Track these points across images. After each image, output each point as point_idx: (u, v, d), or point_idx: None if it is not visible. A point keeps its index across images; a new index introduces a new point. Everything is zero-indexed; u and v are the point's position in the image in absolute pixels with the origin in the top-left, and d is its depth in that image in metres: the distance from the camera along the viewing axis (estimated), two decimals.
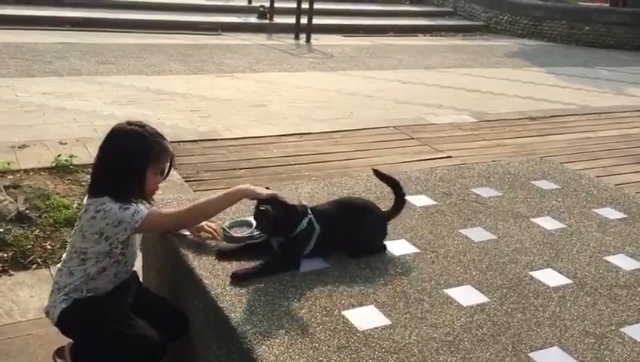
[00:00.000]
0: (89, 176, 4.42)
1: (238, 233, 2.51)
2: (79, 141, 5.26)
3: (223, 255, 2.36)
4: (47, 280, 3.13)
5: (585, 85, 10.06)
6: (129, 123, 2.30)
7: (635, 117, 8.03)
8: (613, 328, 2.11)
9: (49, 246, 3.43)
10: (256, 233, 2.46)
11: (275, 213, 2.23)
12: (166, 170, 2.35)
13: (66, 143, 5.16)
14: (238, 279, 2.20)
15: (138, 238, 2.41)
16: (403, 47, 12.67)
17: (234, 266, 2.31)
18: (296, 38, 12.42)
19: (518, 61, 12.21)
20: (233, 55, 10.32)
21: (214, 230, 2.46)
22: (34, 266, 3.25)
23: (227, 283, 2.21)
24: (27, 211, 3.67)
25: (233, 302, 2.10)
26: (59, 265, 2.35)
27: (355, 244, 2.45)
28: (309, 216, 2.35)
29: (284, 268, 2.29)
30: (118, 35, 11.07)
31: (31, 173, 4.43)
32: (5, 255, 3.29)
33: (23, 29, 10.61)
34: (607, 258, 2.62)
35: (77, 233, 2.23)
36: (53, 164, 4.55)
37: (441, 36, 14.99)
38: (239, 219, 2.61)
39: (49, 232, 3.56)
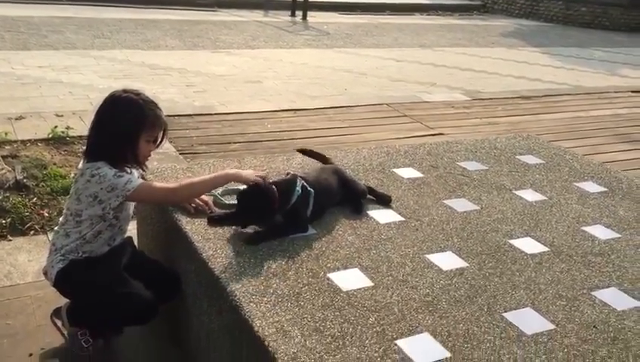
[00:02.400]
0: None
1: (230, 200, 2.61)
2: (75, 113, 5.32)
3: (214, 220, 2.46)
4: (45, 246, 3.22)
5: (579, 65, 10.12)
6: (125, 90, 2.38)
7: (626, 97, 8.11)
8: (584, 292, 2.22)
9: (46, 214, 3.51)
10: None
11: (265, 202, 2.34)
12: (159, 139, 2.43)
13: (62, 115, 5.22)
14: (251, 242, 2.31)
15: (132, 204, 2.49)
16: (399, 26, 12.67)
17: (225, 231, 2.41)
18: (293, 15, 12.41)
19: (513, 41, 12.24)
20: (229, 31, 10.32)
21: (206, 202, 2.54)
22: (32, 232, 3.34)
23: (218, 246, 2.30)
24: (25, 180, 3.75)
25: (223, 264, 2.20)
26: (55, 228, 2.44)
27: (356, 197, 2.70)
28: (301, 182, 2.45)
29: (293, 232, 2.41)
30: (114, 9, 11.04)
31: (28, 144, 4.49)
32: (3, 221, 3.37)
33: (19, 3, 10.58)
34: (585, 228, 2.72)
35: (72, 196, 2.32)
36: (50, 136, 4.62)
37: (437, 15, 14.96)
38: (230, 188, 2.70)
39: (46, 200, 3.65)
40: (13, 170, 3.85)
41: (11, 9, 10.03)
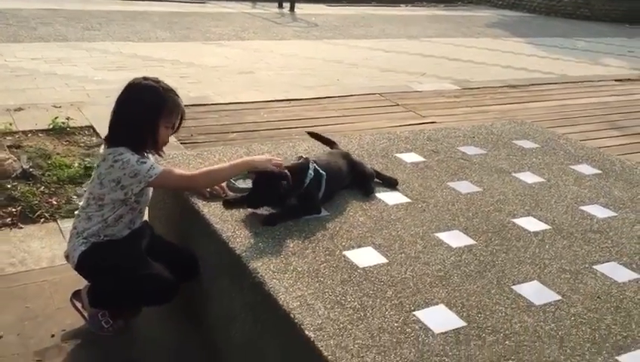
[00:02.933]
0: (87, 138, 4.61)
1: (242, 184, 2.69)
2: (73, 105, 5.35)
3: (229, 203, 2.55)
4: (57, 233, 3.29)
5: (563, 55, 10.30)
6: (145, 78, 2.45)
7: (610, 85, 8.29)
8: (586, 266, 2.34)
9: (55, 202, 3.57)
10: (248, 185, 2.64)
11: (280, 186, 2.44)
12: (176, 125, 2.49)
13: (60, 107, 5.25)
14: (268, 223, 2.40)
15: (151, 188, 2.56)
16: (385, 17, 12.77)
17: (241, 213, 2.50)
18: (280, 6, 12.45)
19: (498, 31, 12.40)
20: (218, 23, 10.35)
21: (221, 186, 2.61)
22: (42, 220, 3.39)
23: (236, 227, 2.39)
24: (31, 169, 3.80)
25: (243, 244, 2.28)
26: (76, 212, 2.51)
27: (365, 179, 2.80)
28: (313, 165, 2.54)
29: (307, 213, 2.51)
30: (101, 1, 11.01)
31: (29, 135, 4.53)
32: (14, 209, 3.42)
33: None
34: (583, 207, 2.85)
35: (95, 181, 2.39)
36: (51, 126, 4.65)
37: (422, 6, 15.09)
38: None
39: (54, 189, 3.70)
40: (19, 159, 3.88)
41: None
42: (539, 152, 3.54)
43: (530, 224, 2.64)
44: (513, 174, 3.18)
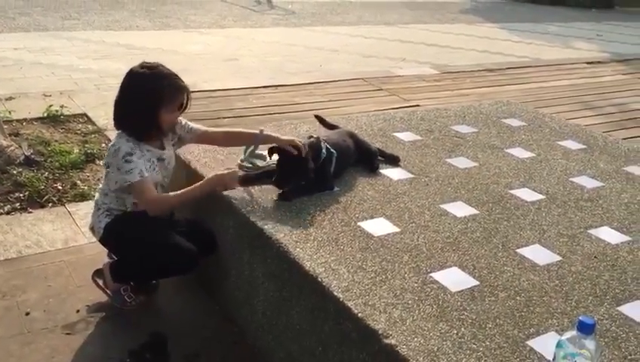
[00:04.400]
0: (82, 125, 4.66)
1: (254, 163, 2.81)
2: (63, 93, 5.37)
3: (244, 180, 2.66)
4: (66, 216, 3.36)
5: (535, 40, 10.56)
6: (142, 66, 2.47)
7: (582, 68, 8.56)
8: (581, 230, 2.53)
9: (60, 187, 3.63)
10: (271, 163, 2.76)
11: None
12: (184, 105, 2.55)
13: (50, 95, 5.27)
14: (285, 198, 2.53)
15: (161, 173, 2.56)
16: (361, 4, 12.89)
17: (256, 189, 2.62)
18: None
19: (472, 17, 12.63)
20: (196, 11, 10.35)
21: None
22: (50, 204, 3.46)
23: (254, 202, 2.52)
24: (33, 156, 3.84)
25: (263, 218, 2.41)
26: (100, 185, 2.61)
27: (370, 157, 2.94)
28: (325, 144, 2.68)
29: (321, 189, 2.64)
30: None
31: (24, 123, 4.56)
32: (21, 195, 3.48)
33: None
34: (573, 179, 3.04)
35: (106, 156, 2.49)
36: (45, 115, 4.69)
37: None
38: (256, 152, 2.88)
39: (58, 174, 3.75)
40: (20, 147, 3.93)
41: None
42: (526, 130, 3.73)
43: (527, 194, 2.82)
44: (505, 150, 3.36)
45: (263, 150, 2.83)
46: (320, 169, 2.65)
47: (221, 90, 6.05)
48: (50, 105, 4.77)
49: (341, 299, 1.96)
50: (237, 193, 2.58)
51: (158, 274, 2.66)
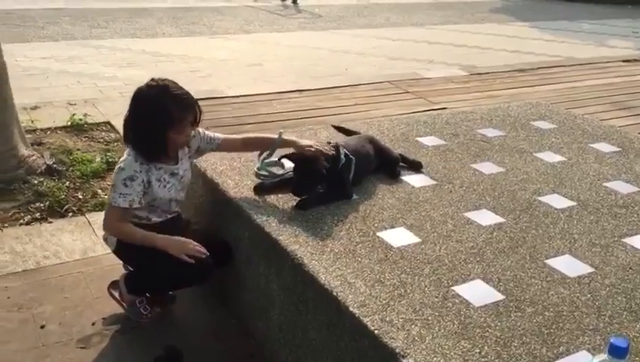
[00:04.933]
0: (105, 134, 4.66)
1: (271, 171, 2.74)
2: (87, 102, 5.39)
3: (259, 189, 2.59)
4: (86, 226, 3.34)
5: (568, 38, 10.30)
6: (149, 85, 2.36)
7: (617, 67, 8.28)
8: (615, 239, 2.39)
9: (81, 197, 3.62)
10: (288, 171, 2.68)
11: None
12: (197, 119, 2.46)
13: (75, 104, 5.29)
14: (302, 207, 2.45)
15: (167, 189, 2.48)
16: (388, 6, 12.76)
17: (272, 199, 2.55)
18: None
19: (502, 16, 12.39)
20: (222, 17, 10.36)
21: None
22: (70, 214, 3.44)
23: (270, 212, 2.44)
24: (55, 165, 3.84)
25: (279, 228, 2.33)
26: None
27: (391, 163, 2.84)
28: (344, 150, 2.59)
29: (339, 198, 2.55)
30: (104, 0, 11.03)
31: (48, 132, 4.57)
32: (42, 205, 3.47)
33: None
34: (606, 184, 2.89)
35: None
36: (69, 123, 4.70)
37: None
38: (269, 160, 2.81)
39: (79, 184, 3.74)
40: (42, 156, 3.93)
41: (3, 2, 9.98)
42: (557, 132, 3.58)
43: (556, 201, 2.68)
44: (534, 154, 3.22)
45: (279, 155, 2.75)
46: (338, 176, 2.56)
47: (245, 95, 6.00)
48: (74, 114, 4.78)
49: (357, 315, 1.86)
50: (252, 202, 2.51)
51: (171, 285, 2.60)
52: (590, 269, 2.16)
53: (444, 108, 6.07)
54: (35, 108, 5.11)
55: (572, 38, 10.34)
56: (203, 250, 2.39)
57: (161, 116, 2.31)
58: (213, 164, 2.86)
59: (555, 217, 2.54)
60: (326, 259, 2.15)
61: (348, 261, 2.15)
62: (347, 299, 1.93)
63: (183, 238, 2.41)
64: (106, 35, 8.38)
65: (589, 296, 2.00)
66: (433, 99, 6.34)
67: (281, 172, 2.73)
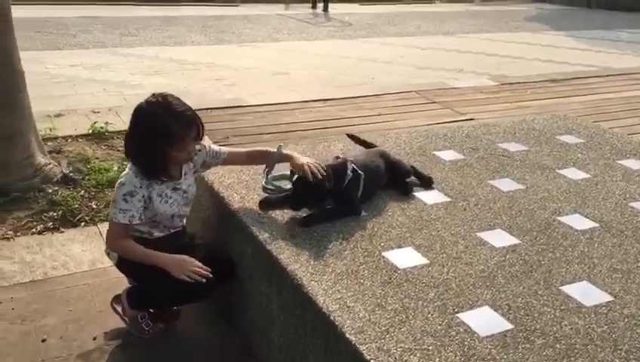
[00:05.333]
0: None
1: (276, 186, 2.66)
2: (111, 110, 5.41)
3: (265, 204, 2.52)
4: (97, 237, 3.32)
5: (605, 48, 10.00)
6: (149, 102, 2.28)
7: None
8: (639, 265, 2.23)
9: (94, 206, 3.60)
10: (288, 186, 2.59)
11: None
12: (200, 134, 2.36)
13: (99, 112, 5.32)
14: (305, 224, 2.37)
15: (168, 204, 2.43)
16: (420, 14, 12.63)
17: (277, 214, 2.47)
18: (314, 7, 12.44)
19: (537, 25, 12.13)
20: (252, 25, 10.39)
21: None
22: (82, 224, 3.43)
23: (273, 229, 2.36)
24: (71, 174, 3.85)
25: (281, 246, 2.25)
26: None
27: (403, 178, 2.75)
28: (351, 165, 2.50)
29: (346, 215, 2.46)
30: (138, 8, 11.19)
31: (69, 140, 4.59)
32: (55, 214, 3.47)
33: (45, 4, 10.74)
34: (632, 204, 2.73)
35: None
36: (90, 131, 4.71)
37: (458, 2, 14.87)
38: (277, 174, 2.74)
39: (93, 193, 3.73)
40: (59, 164, 3.94)
41: (38, 10, 10.20)
42: (583, 147, 3.42)
43: (577, 222, 2.54)
44: (557, 171, 3.08)
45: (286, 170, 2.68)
46: (344, 193, 2.47)
47: (267, 104, 5.96)
48: (95, 122, 4.80)
49: (353, 342, 1.77)
50: (255, 218, 2.44)
51: (172, 302, 2.54)
52: (609, 298, 2.02)
53: (471, 119, 5.92)
54: (58, 115, 5.16)
55: (609, 47, 10.04)
56: (204, 270, 2.31)
57: (160, 134, 2.24)
58: (220, 177, 2.80)
59: (575, 239, 2.40)
60: (326, 280, 2.06)
61: (349, 283, 2.05)
62: (345, 324, 1.84)
63: (184, 257, 2.34)
64: (136, 43, 8.47)
65: (606, 327, 1.87)
66: (460, 110, 6.19)
67: (288, 186, 2.65)
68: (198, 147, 2.47)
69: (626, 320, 1.91)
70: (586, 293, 2.04)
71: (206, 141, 2.51)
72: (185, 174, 2.47)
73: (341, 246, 2.27)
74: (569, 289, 2.06)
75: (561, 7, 14.87)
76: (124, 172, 2.38)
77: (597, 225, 2.53)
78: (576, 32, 11.40)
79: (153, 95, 2.32)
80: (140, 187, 2.31)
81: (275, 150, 2.61)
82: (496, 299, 1.99)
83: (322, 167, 2.42)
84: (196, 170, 2.55)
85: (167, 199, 2.39)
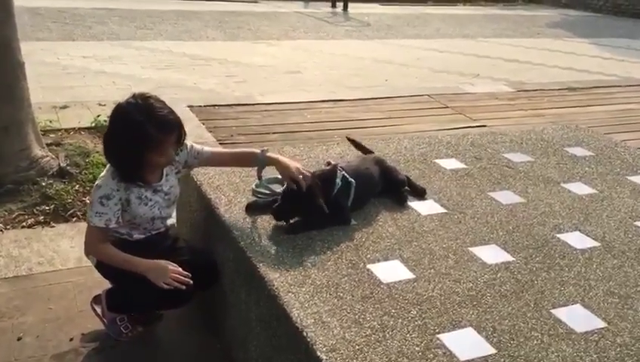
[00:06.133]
0: None
1: (265, 190, 2.57)
2: (117, 103, 5.37)
3: (252, 208, 2.43)
4: None
5: (629, 57, 9.77)
6: (128, 102, 2.17)
7: None
8: (638, 289, 2.11)
9: (88, 201, 3.53)
10: (280, 190, 2.50)
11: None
12: (180, 139, 2.27)
13: (105, 105, 5.27)
14: (290, 231, 2.29)
15: (148, 207, 2.33)
16: (441, 16, 12.46)
17: (263, 219, 2.38)
18: (333, 5, 12.34)
19: (559, 31, 11.91)
20: (269, 22, 10.32)
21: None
22: (74, 219, 3.38)
23: (256, 234, 2.27)
24: (68, 167, 3.80)
25: (262, 253, 2.16)
26: None
27: (397, 187, 2.64)
28: (342, 172, 2.40)
29: (335, 223, 2.36)
30: (156, 1, 11.17)
31: (71, 132, 4.56)
32: (47, 208, 3.42)
33: None
34: (638, 223, 2.60)
35: None
36: (93, 124, 4.68)
37: (481, 5, 14.67)
38: (271, 177, 2.65)
39: (88, 188, 3.67)
40: (57, 157, 3.90)
41: (56, 1, 10.23)
42: (592, 161, 3.29)
43: (577, 240, 2.42)
44: (562, 184, 2.95)
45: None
46: (334, 200, 2.37)
47: (276, 103, 5.89)
48: (99, 115, 4.76)
49: (324, 361, 1.67)
50: (240, 222, 2.35)
51: (152, 306, 2.46)
52: (602, 324, 1.90)
53: (483, 125, 5.79)
54: (64, 107, 5.13)
55: (633, 57, 9.81)
56: (184, 277, 2.23)
57: (138, 138, 2.13)
58: (210, 178, 2.72)
59: (573, 259, 2.28)
60: (304, 292, 1.97)
61: (328, 296, 1.96)
62: (317, 340, 1.74)
63: (163, 263, 2.25)
64: (150, 37, 8.45)
65: (595, 356, 1.75)
66: (473, 116, 6.06)
67: (279, 190, 2.56)
68: (178, 151, 2.37)
69: (618, 349, 1.79)
70: (578, 318, 1.93)
71: (188, 140, 2.41)
72: (166, 175, 2.38)
73: (325, 257, 2.18)
74: (560, 312, 1.95)
75: (585, 14, 14.59)
76: (102, 173, 2.30)
77: (598, 244, 2.40)
78: (599, 39, 11.17)
79: (134, 95, 2.21)
80: (117, 190, 2.23)
81: (255, 151, 2.49)
82: (482, 320, 1.88)
83: (311, 178, 2.32)
84: (178, 170, 2.46)
85: (146, 201, 2.31)
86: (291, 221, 2.34)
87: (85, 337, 2.48)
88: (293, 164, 2.38)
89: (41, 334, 2.48)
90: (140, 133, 2.12)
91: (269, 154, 2.45)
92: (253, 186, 2.61)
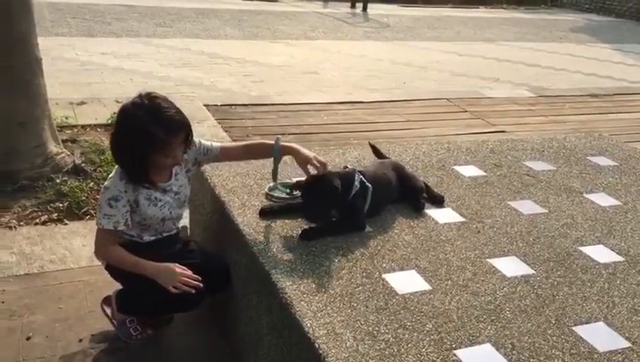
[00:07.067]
0: None
1: (280, 194, 2.53)
2: None
3: (266, 213, 2.39)
4: None
5: None
6: (134, 103, 2.15)
7: None
8: None
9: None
10: (296, 193, 2.46)
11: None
12: (188, 140, 2.23)
13: (121, 102, 5.20)
14: (305, 237, 2.23)
15: (158, 207, 2.29)
16: (462, 19, 12.35)
17: (277, 224, 2.33)
18: (353, 6, 12.27)
19: (583, 36, 11.74)
20: (289, 22, 10.29)
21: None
22: (87, 217, 3.36)
23: (270, 240, 2.23)
24: (83, 164, 3.78)
25: (275, 259, 2.12)
26: None
27: (415, 194, 2.58)
28: (359, 177, 2.35)
29: (350, 229, 2.31)
30: None
31: (87, 129, 4.55)
32: (61, 205, 3.41)
33: None
34: None
35: None
36: (109, 121, 4.65)
37: (503, 9, 14.53)
38: (284, 182, 2.60)
39: (102, 185, 3.66)
40: (72, 154, 3.88)
41: None
42: (616, 171, 3.20)
43: (601, 254, 2.34)
44: (585, 195, 2.87)
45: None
46: (350, 205, 2.32)
47: (293, 104, 5.85)
48: (114, 113, 4.72)
49: None
50: (253, 226, 2.31)
51: (161, 310, 2.42)
52: (625, 344, 1.83)
53: (503, 131, 5.71)
54: (81, 103, 5.13)
55: None
56: (194, 280, 2.18)
57: (144, 140, 2.08)
58: (224, 180, 2.68)
59: (595, 273, 2.20)
60: (317, 301, 1.91)
61: (342, 306, 1.90)
62: (329, 353, 1.69)
63: (173, 267, 2.21)
64: (169, 34, 8.45)
65: None
66: (492, 121, 5.98)
67: (295, 193, 2.51)
68: (185, 152, 2.33)
69: None
70: (600, 336, 1.85)
71: (196, 138, 2.37)
72: (176, 175, 2.33)
73: (339, 265, 2.12)
74: (583, 330, 1.88)
75: (610, 19, 14.38)
76: (111, 174, 2.26)
77: (622, 258, 2.32)
78: (623, 45, 10.99)
79: (140, 95, 2.17)
80: (125, 191, 2.19)
81: (272, 143, 2.45)
82: (500, 335, 1.82)
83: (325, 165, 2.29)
84: (188, 168, 2.41)
85: (156, 202, 2.26)
86: (305, 226, 2.29)
87: (95, 338, 2.45)
88: (310, 153, 2.33)
89: (51, 334, 2.45)
90: (146, 134, 2.07)
91: (284, 143, 2.40)
92: (266, 190, 2.57)
